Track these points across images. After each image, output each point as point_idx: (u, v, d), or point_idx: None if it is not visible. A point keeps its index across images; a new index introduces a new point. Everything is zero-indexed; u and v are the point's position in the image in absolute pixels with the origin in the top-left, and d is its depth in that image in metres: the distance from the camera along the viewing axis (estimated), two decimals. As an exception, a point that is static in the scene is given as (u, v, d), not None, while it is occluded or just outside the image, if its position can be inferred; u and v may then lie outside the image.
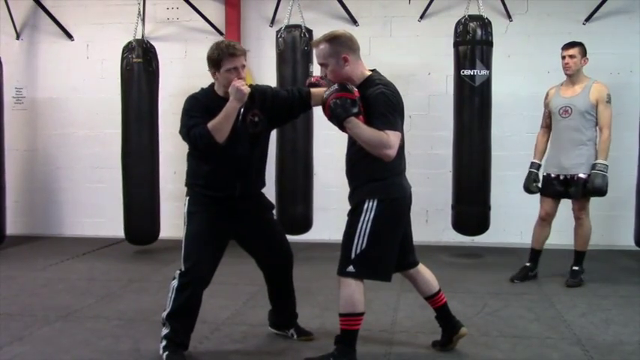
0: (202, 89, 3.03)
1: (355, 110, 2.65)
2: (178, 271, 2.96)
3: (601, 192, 4.28)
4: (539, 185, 4.51)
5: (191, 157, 3.03)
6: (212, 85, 3.02)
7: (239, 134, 2.90)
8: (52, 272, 4.98)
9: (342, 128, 2.71)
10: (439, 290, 3.09)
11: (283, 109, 3.08)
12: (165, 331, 2.97)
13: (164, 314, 2.96)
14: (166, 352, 2.93)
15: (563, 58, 4.44)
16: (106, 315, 3.78)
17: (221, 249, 3.03)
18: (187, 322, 2.98)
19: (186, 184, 3.06)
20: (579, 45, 4.43)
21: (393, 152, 2.65)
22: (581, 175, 4.33)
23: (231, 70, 2.85)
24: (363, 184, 2.81)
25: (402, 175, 2.86)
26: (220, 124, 2.79)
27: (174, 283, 2.96)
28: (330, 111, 2.68)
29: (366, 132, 2.65)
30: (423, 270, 3.07)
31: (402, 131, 2.75)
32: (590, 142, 4.37)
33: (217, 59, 2.86)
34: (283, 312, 3.35)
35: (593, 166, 4.28)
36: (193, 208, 2.97)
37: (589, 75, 4.54)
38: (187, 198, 3.01)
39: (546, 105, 4.59)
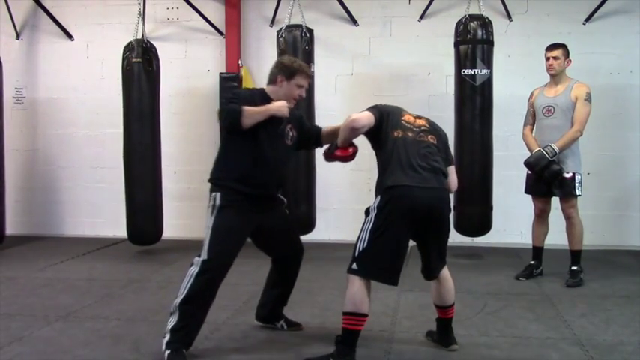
0: (255, 89, 3.21)
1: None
2: (198, 258, 2.98)
3: (528, 166, 4.46)
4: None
5: (228, 154, 3.08)
6: (263, 89, 3.16)
7: (279, 138, 3.08)
8: (52, 272, 4.98)
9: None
10: (451, 305, 3.09)
11: (303, 138, 3.30)
12: (172, 322, 2.95)
13: (177, 301, 2.95)
14: (168, 351, 2.92)
15: (547, 59, 4.48)
16: (106, 315, 3.77)
17: (242, 245, 3.11)
18: (199, 312, 2.99)
19: (215, 181, 3.09)
20: (562, 46, 4.48)
21: (355, 116, 2.94)
22: (564, 175, 4.35)
23: (300, 87, 3.08)
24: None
25: (402, 169, 2.84)
26: (253, 113, 2.90)
27: (194, 269, 2.97)
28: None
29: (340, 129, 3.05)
30: (444, 281, 3.07)
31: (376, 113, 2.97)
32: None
33: (293, 71, 3.06)
34: (281, 303, 3.42)
35: (545, 146, 4.35)
36: (226, 202, 3.01)
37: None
38: (218, 193, 3.03)
39: (531, 104, 4.65)
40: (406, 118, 3.03)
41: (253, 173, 3.02)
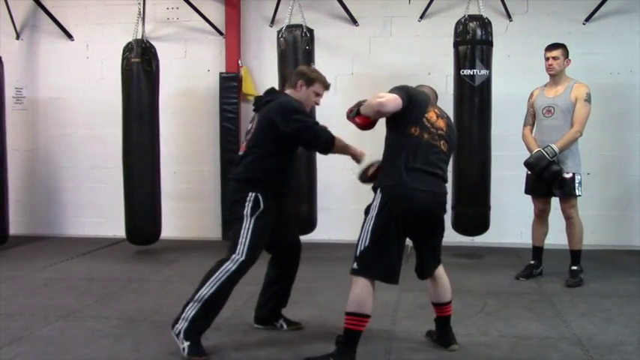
0: (288, 95, 3.31)
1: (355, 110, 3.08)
2: (235, 256, 3.04)
3: (528, 167, 4.46)
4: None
5: (268, 157, 3.16)
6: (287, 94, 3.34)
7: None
8: (52, 272, 4.98)
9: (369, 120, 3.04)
10: (448, 302, 3.12)
11: None
12: (193, 311, 2.99)
13: (206, 292, 2.99)
14: (188, 342, 2.97)
15: (547, 59, 4.48)
16: (106, 315, 3.78)
17: None
18: (219, 307, 3.07)
19: (255, 181, 3.15)
20: (562, 47, 4.47)
21: (383, 100, 2.86)
22: (564, 175, 4.36)
23: (317, 95, 3.31)
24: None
25: (407, 170, 2.86)
26: (340, 146, 3.15)
27: (231, 266, 3.03)
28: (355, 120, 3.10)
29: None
30: (439, 279, 3.10)
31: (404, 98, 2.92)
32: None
33: (312, 79, 3.28)
34: (280, 303, 3.44)
35: (545, 147, 4.35)
36: (268, 205, 3.13)
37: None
38: (257, 195, 3.11)
39: (531, 105, 4.65)
40: (429, 115, 2.97)
41: (287, 175, 3.24)
